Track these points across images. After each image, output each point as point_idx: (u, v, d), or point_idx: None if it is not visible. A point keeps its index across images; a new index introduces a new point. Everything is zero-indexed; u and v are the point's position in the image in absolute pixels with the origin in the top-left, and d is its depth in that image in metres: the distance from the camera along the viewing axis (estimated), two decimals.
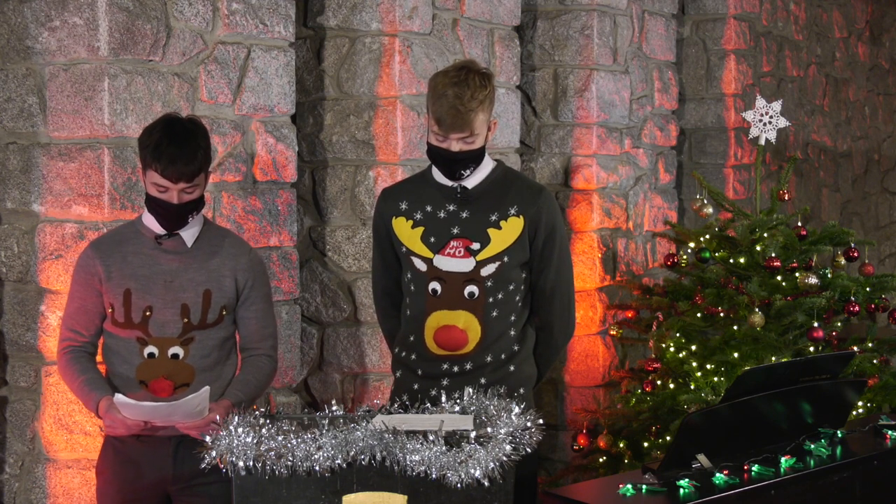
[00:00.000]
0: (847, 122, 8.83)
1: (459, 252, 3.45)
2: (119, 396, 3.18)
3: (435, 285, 3.46)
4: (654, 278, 5.88)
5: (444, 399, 3.09)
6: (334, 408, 3.01)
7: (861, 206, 9.09)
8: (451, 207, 3.48)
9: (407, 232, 3.51)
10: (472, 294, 3.44)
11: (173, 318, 3.33)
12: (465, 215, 3.46)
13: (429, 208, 3.50)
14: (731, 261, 4.87)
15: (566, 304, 3.60)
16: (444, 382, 3.45)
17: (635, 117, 5.93)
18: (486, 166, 3.51)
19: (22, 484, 4.05)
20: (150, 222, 3.37)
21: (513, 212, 3.46)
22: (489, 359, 3.46)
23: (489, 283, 3.44)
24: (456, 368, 3.46)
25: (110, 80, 3.84)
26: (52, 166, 3.91)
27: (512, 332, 3.49)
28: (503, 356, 3.47)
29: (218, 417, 3.13)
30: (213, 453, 2.77)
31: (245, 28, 4.19)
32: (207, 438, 2.80)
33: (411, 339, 3.53)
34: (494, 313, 3.45)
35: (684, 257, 5.10)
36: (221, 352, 3.42)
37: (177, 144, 3.24)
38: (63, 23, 3.86)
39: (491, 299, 3.45)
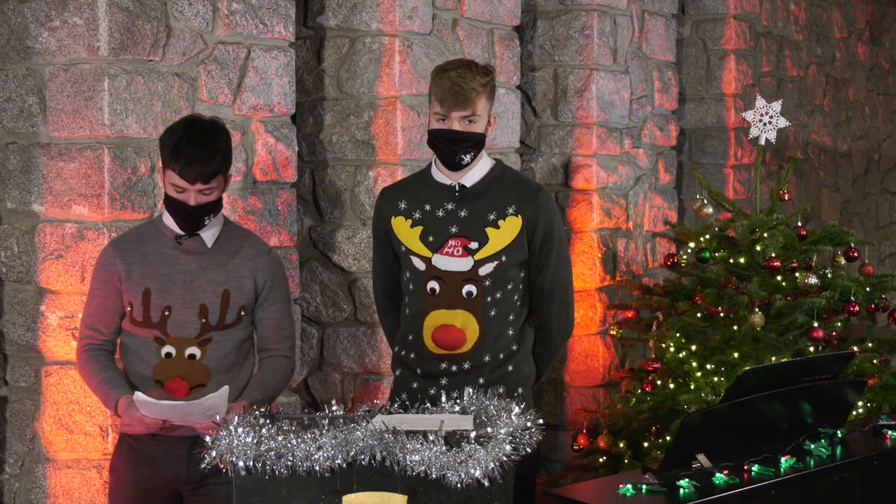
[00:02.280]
0: (847, 122, 8.83)
1: (458, 251, 3.45)
2: (139, 394, 3.19)
3: (433, 284, 3.46)
4: (654, 278, 5.88)
5: (443, 399, 3.09)
6: (334, 408, 3.01)
7: (861, 206, 9.09)
8: (450, 206, 3.48)
9: (406, 231, 3.51)
10: (470, 293, 3.44)
11: (192, 319, 3.34)
12: (463, 214, 3.47)
13: (427, 207, 3.50)
14: (731, 261, 4.87)
15: (565, 304, 3.60)
16: (443, 382, 3.45)
17: (635, 117, 5.93)
18: (485, 165, 3.51)
19: (22, 484, 4.05)
20: (171, 222, 3.38)
21: (511, 211, 3.46)
22: (487, 358, 3.46)
23: (487, 283, 3.44)
24: (454, 368, 3.46)
25: (110, 80, 3.84)
26: (52, 166, 3.91)
27: (510, 332, 3.49)
28: (501, 356, 3.48)
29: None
30: (214, 453, 2.77)
31: (245, 28, 4.19)
32: (208, 438, 2.80)
33: (410, 338, 3.54)
34: (493, 313, 3.45)
35: (684, 257, 5.10)
36: (239, 353, 3.43)
37: (195, 145, 3.25)
38: (63, 23, 3.86)
39: (489, 298, 3.45)
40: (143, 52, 3.91)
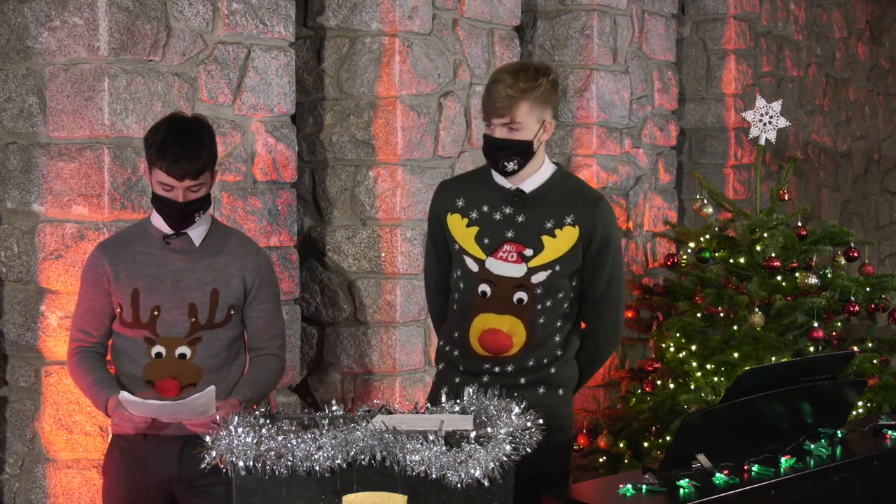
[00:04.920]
0: (847, 122, 8.83)
1: (512, 257, 3.40)
2: (124, 394, 3.19)
3: (485, 287, 3.42)
4: (654, 278, 5.88)
5: (443, 399, 3.10)
6: (334, 408, 3.01)
7: (861, 206, 9.09)
8: (508, 210, 3.42)
9: (461, 230, 3.46)
10: (520, 300, 3.40)
11: (181, 318, 3.34)
12: (520, 220, 3.41)
13: (485, 208, 3.44)
14: (731, 261, 4.87)
15: (614, 315, 3.55)
16: (485, 380, 3.42)
17: (635, 117, 5.93)
18: (546, 170, 3.45)
19: (22, 484, 4.05)
20: (158, 222, 3.38)
21: (569, 221, 3.40)
22: (531, 363, 3.43)
23: (539, 291, 3.39)
24: (497, 369, 3.43)
25: (110, 80, 3.84)
26: (52, 166, 3.91)
27: (556, 338, 3.46)
28: (545, 360, 3.44)
29: (226, 416, 3.12)
30: (213, 453, 2.77)
31: (245, 28, 4.19)
32: (208, 438, 2.80)
33: (456, 335, 3.50)
34: (541, 320, 3.41)
35: (684, 257, 5.11)
36: (229, 352, 3.42)
37: (181, 142, 3.25)
38: (63, 23, 3.86)
39: (539, 306, 3.40)
40: (143, 52, 3.91)
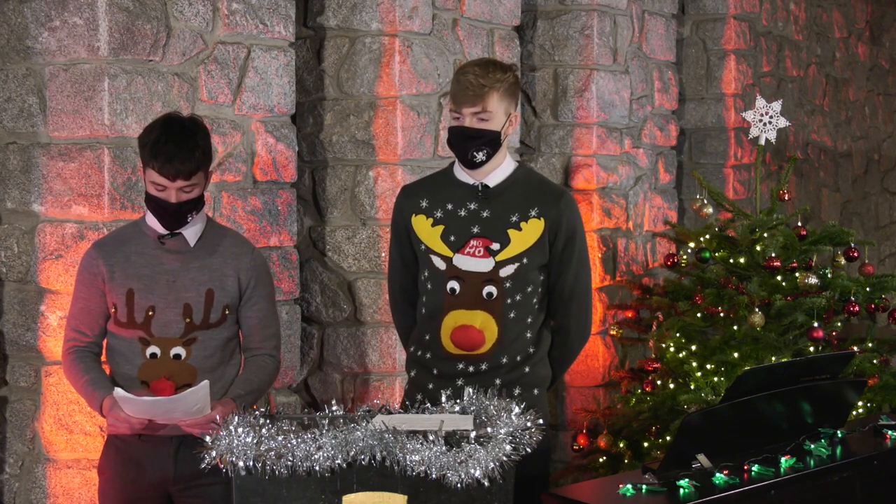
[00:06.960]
0: (847, 122, 8.83)
1: (479, 252, 3.42)
2: (119, 391, 3.18)
3: (453, 284, 3.43)
4: (654, 278, 5.88)
5: (443, 399, 3.09)
6: (334, 408, 3.01)
7: (861, 206, 9.09)
8: (472, 206, 3.44)
9: (427, 230, 3.47)
10: (490, 294, 3.41)
11: (176, 318, 3.33)
12: (485, 215, 3.43)
13: (449, 206, 3.46)
14: (731, 261, 4.87)
15: (584, 308, 3.57)
16: (459, 382, 3.42)
17: (635, 117, 5.93)
18: (509, 166, 3.48)
19: (22, 484, 4.05)
20: (153, 222, 3.38)
21: (533, 213, 3.43)
22: (505, 360, 3.44)
23: (508, 285, 3.41)
24: (471, 368, 3.44)
25: (110, 80, 3.85)
26: (52, 166, 3.92)
27: (528, 334, 3.47)
28: (519, 358, 3.45)
29: (219, 416, 3.12)
30: (213, 453, 2.77)
31: (245, 28, 4.19)
32: (207, 438, 2.80)
33: (427, 337, 3.50)
34: (512, 314, 3.43)
35: (684, 257, 5.11)
36: (224, 353, 3.42)
37: (175, 142, 3.24)
38: (63, 23, 3.86)
39: (509, 300, 3.42)
40: (143, 52, 3.91)
